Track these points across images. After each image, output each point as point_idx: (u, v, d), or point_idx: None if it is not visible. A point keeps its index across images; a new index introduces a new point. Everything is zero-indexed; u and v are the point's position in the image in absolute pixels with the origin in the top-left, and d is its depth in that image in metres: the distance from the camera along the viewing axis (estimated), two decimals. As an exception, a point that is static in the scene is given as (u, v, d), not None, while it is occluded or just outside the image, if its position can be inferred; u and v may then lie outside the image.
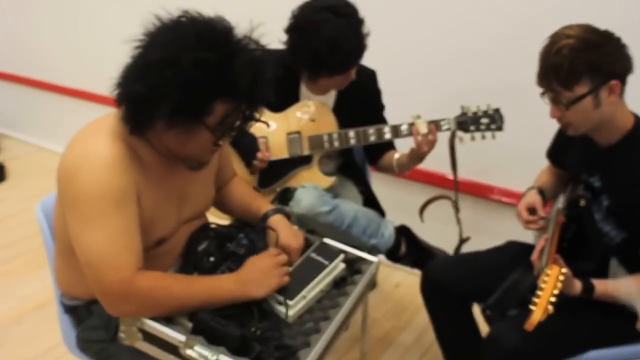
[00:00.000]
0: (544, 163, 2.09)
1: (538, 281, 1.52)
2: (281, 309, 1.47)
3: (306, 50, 1.96)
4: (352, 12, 1.97)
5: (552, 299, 1.42)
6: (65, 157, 1.35)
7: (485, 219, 2.66)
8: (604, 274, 1.75)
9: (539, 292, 1.45)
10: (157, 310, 1.35)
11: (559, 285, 1.45)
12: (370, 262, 1.70)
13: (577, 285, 1.63)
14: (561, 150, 1.97)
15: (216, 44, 1.27)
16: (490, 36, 2.48)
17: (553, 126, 2.03)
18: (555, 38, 1.59)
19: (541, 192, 1.93)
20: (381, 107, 2.25)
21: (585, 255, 1.82)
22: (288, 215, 1.70)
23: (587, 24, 1.61)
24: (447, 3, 2.53)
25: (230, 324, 1.35)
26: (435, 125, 2.02)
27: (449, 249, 2.32)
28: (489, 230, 2.48)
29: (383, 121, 2.21)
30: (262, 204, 1.72)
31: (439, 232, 2.34)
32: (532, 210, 1.88)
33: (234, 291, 1.41)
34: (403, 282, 2.91)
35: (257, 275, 1.44)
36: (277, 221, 1.65)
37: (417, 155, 2.03)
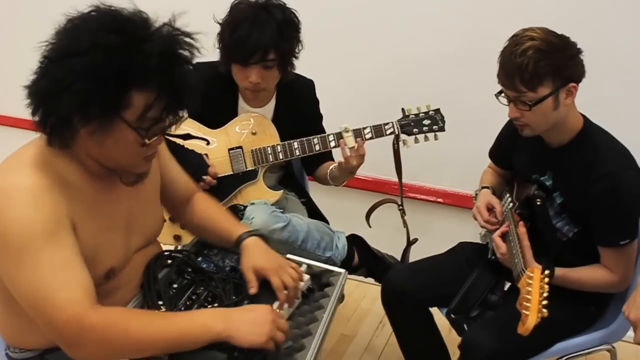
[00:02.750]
0: (479, 164, 2.13)
1: (519, 284, 1.54)
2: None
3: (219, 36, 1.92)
4: (277, 9, 1.90)
5: (544, 302, 1.43)
6: None
7: (426, 221, 2.70)
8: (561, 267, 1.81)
9: (527, 296, 1.45)
10: (118, 352, 1.20)
11: (545, 287, 1.46)
12: (338, 274, 1.65)
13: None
14: (505, 151, 2.01)
15: (123, 28, 1.16)
16: (424, 43, 2.53)
17: (485, 129, 2.09)
18: (519, 39, 1.62)
19: (493, 192, 1.97)
20: (319, 117, 2.21)
21: (540, 252, 1.87)
22: (265, 238, 1.59)
23: (545, 27, 1.64)
24: (383, 12, 2.55)
25: (214, 348, 1.24)
26: (362, 139, 2.00)
27: (398, 254, 2.32)
28: (431, 232, 2.50)
29: (321, 131, 2.17)
30: (234, 225, 1.58)
31: (384, 238, 2.33)
32: (489, 210, 1.90)
33: (214, 326, 1.21)
34: (346, 290, 2.87)
35: (250, 318, 1.25)
36: (253, 246, 1.52)
37: (346, 169, 2.00)
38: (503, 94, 1.70)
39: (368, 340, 2.58)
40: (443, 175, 2.70)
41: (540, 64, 1.57)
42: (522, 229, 1.70)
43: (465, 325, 1.79)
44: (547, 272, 1.50)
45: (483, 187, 2.00)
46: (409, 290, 1.91)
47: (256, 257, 1.49)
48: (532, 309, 1.41)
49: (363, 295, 2.80)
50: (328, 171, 2.12)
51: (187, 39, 1.23)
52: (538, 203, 1.77)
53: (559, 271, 1.68)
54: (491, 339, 1.61)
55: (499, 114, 2.01)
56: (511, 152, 1.98)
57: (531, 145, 1.85)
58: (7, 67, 3.26)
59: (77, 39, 1.14)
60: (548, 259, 1.74)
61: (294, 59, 1.97)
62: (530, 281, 1.48)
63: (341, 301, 1.67)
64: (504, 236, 1.78)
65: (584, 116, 1.74)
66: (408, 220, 2.29)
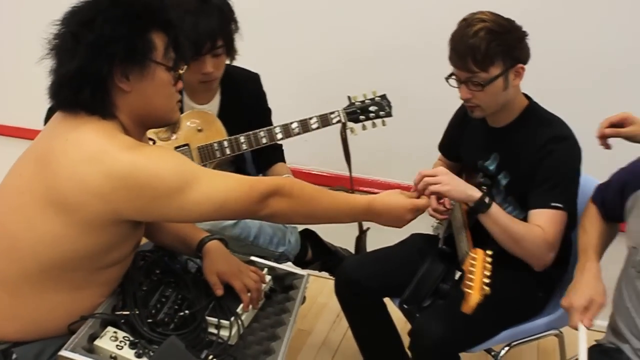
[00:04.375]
0: (430, 156, 2.15)
1: (464, 266, 1.56)
2: (223, 333, 1.40)
3: None
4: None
5: (486, 280, 1.46)
6: (104, 171, 1.24)
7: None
8: (505, 258, 1.83)
9: (470, 276, 1.47)
10: (303, 211, 1.43)
11: (488, 266, 1.49)
12: (301, 277, 1.68)
13: (476, 194, 1.68)
14: (453, 143, 2.04)
15: None
16: (373, 35, 2.54)
17: (435, 121, 2.11)
18: (470, 22, 1.66)
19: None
20: (267, 111, 2.19)
21: (486, 240, 1.90)
22: (225, 242, 1.62)
23: (493, 11, 1.70)
24: (330, 5, 2.56)
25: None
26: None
27: (351, 248, 2.32)
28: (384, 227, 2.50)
29: (271, 124, 2.15)
30: (194, 230, 1.62)
31: (337, 231, 2.33)
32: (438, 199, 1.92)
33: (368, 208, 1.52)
34: (300, 284, 2.88)
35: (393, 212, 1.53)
36: (214, 250, 1.55)
37: None
38: (453, 77, 1.74)
39: (325, 334, 2.59)
40: (394, 168, 2.71)
41: (492, 44, 1.63)
42: (466, 217, 1.72)
43: (417, 315, 1.80)
44: (489, 252, 1.53)
45: None
46: (362, 280, 1.92)
47: (217, 261, 1.53)
48: (475, 287, 1.44)
49: (320, 290, 2.79)
50: (285, 175, 2.12)
51: None
52: (484, 190, 1.81)
53: (496, 209, 1.70)
54: (440, 326, 1.64)
55: (448, 106, 2.06)
56: (458, 143, 2.00)
57: (476, 132, 1.89)
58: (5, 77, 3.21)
59: (91, 12, 1.28)
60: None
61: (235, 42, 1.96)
62: (474, 262, 1.51)
63: (303, 302, 1.68)
64: (449, 224, 1.80)
65: (528, 97, 1.81)
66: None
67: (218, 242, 1.59)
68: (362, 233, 2.28)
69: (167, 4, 1.36)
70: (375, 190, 2.74)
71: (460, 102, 1.98)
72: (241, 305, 1.45)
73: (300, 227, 2.20)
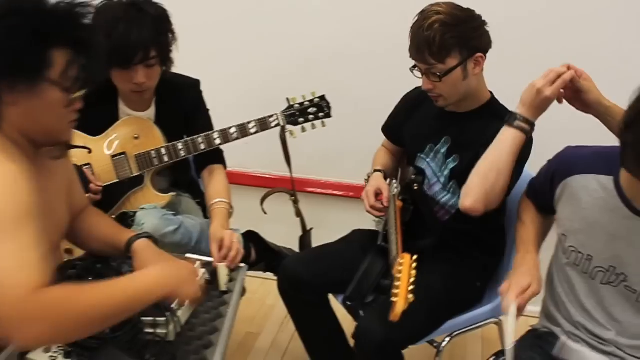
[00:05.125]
0: (370, 155, 2.18)
1: (393, 271, 1.59)
2: (160, 331, 1.37)
3: None
4: (147, 4, 1.87)
5: (411, 287, 1.48)
6: None
7: (323, 214, 2.73)
8: (443, 252, 1.88)
9: (396, 283, 1.50)
10: (68, 325, 1.13)
11: (413, 272, 1.52)
12: (238, 268, 1.68)
13: None
14: (397, 125, 2.06)
15: None
16: (312, 38, 2.57)
17: (376, 121, 2.15)
18: (426, 14, 1.70)
19: (385, 175, 2.02)
20: (206, 116, 2.18)
21: (423, 234, 1.93)
22: (154, 239, 1.59)
23: (451, 2, 1.74)
24: (269, 9, 2.57)
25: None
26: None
27: (296, 248, 2.33)
28: (328, 225, 2.53)
29: (211, 129, 2.14)
30: (122, 231, 1.59)
31: (281, 232, 2.35)
32: (377, 194, 1.95)
33: (158, 288, 1.27)
34: (248, 288, 2.87)
35: (181, 274, 1.37)
36: (143, 247, 1.53)
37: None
38: (417, 68, 1.78)
39: (273, 336, 2.60)
40: (337, 168, 2.75)
41: (447, 36, 1.67)
42: (399, 218, 1.77)
43: (361, 312, 1.82)
44: (415, 257, 1.56)
45: (375, 170, 2.04)
46: (304, 276, 1.94)
47: (147, 259, 1.51)
48: (401, 295, 1.46)
49: (267, 292, 2.79)
50: (210, 203, 2.05)
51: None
52: (415, 188, 1.85)
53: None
54: (382, 327, 1.64)
55: (389, 105, 2.10)
56: (404, 127, 2.03)
57: (429, 115, 1.92)
58: None
59: None
60: (425, 242, 1.84)
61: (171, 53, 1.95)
62: (400, 268, 1.53)
63: (242, 295, 1.68)
64: (386, 222, 1.83)
65: (491, 92, 1.86)
66: (305, 214, 2.32)
67: (146, 240, 1.55)
68: (307, 232, 2.29)
69: (85, 23, 1.29)
70: (319, 191, 2.78)
71: (402, 93, 2.05)
72: (177, 301, 1.44)
73: (243, 229, 2.21)
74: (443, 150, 1.88)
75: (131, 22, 1.81)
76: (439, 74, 1.71)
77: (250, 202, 2.38)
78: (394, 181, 2.02)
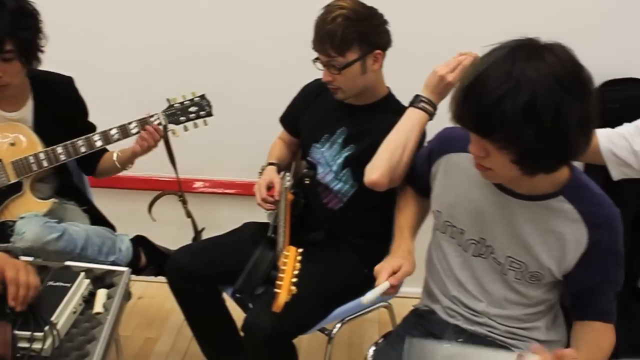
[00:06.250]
0: (262, 152, 2.19)
1: (278, 263, 1.62)
2: (35, 346, 1.33)
3: None
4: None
5: (294, 280, 1.52)
6: None
7: (214, 213, 2.74)
8: (330, 241, 1.93)
9: (280, 275, 1.53)
10: None
11: (298, 265, 1.56)
12: (121, 273, 1.64)
13: None
14: (295, 117, 2.10)
15: None
16: (192, 37, 2.56)
17: (264, 117, 2.18)
18: (330, 8, 1.76)
19: (279, 168, 2.05)
20: (85, 115, 2.14)
21: (314, 226, 1.99)
22: (8, 250, 1.55)
23: None
24: (149, 5, 2.54)
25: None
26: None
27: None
28: (220, 224, 2.54)
29: (90, 127, 2.12)
30: None
31: (174, 236, 2.33)
32: (269, 188, 1.97)
33: None
34: (145, 292, 2.84)
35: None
36: None
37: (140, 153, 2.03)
38: (319, 60, 1.82)
39: (172, 340, 2.57)
40: (228, 166, 2.75)
41: (348, 30, 1.72)
42: (289, 211, 1.79)
43: (250, 305, 1.84)
44: (300, 250, 1.60)
45: (269, 164, 2.07)
46: (193, 268, 1.94)
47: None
48: (284, 287, 1.49)
49: (165, 296, 2.74)
50: (115, 159, 2.09)
51: None
52: (307, 182, 1.90)
53: None
54: (270, 319, 1.65)
55: (277, 102, 2.13)
56: (300, 118, 2.07)
57: (327, 106, 1.96)
58: None
59: None
60: (316, 234, 1.91)
61: (39, 52, 1.90)
62: (286, 260, 1.57)
63: (128, 299, 1.65)
64: (277, 214, 1.87)
65: (389, 88, 1.93)
66: (196, 214, 2.31)
67: None
68: (198, 233, 2.29)
69: None
70: (210, 190, 2.77)
71: (288, 90, 2.09)
72: (56, 313, 1.40)
73: (133, 234, 2.18)
74: (339, 140, 1.93)
75: None
76: (338, 66, 1.77)
77: (139, 205, 2.35)
78: (287, 174, 2.05)
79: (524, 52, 1.19)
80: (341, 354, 2.51)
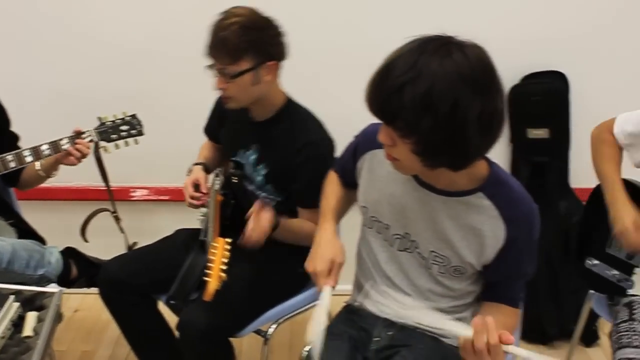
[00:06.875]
0: (192, 157, 2.19)
1: (209, 256, 1.63)
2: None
3: None
4: None
5: (223, 267, 1.54)
6: None
7: (147, 221, 2.71)
8: (265, 242, 1.92)
9: (210, 265, 1.55)
10: None
11: (227, 254, 1.58)
12: (51, 295, 1.59)
13: (268, 216, 1.76)
14: (214, 129, 2.11)
15: None
16: (116, 46, 2.54)
17: (193, 122, 2.17)
18: (226, 15, 1.73)
19: (206, 167, 2.05)
20: (8, 122, 2.10)
21: (239, 229, 1.98)
22: None
23: (253, 7, 1.77)
24: (66, 16, 2.50)
25: None
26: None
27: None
28: (154, 231, 2.52)
29: (14, 137, 2.09)
30: None
31: (107, 246, 2.30)
32: (196, 187, 1.97)
33: None
34: (81, 305, 2.79)
35: None
36: None
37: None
38: (213, 67, 1.79)
39: (110, 352, 2.55)
40: (159, 173, 2.73)
41: (242, 38, 1.70)
42: (217, 209, 1.81)
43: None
44: (228, 240, 1.62)
45: (196, 164, 2.07)
46: (125, 278, 1.93)
47: None
48: (213, 275, 1.51)
49: (102, 308, 2.70)
50: (38, 168, 2.04)
51: None
52: (234, 181, 1.90)
53: (282, 223, 1.81)
54: (204, 315, 1.67)
55: (207, 107, 2.13)
56: (219, 130, 2.08)
57: (238, 122, 1.96)
58: None
59: None
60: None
61: None
62: (215, 250, 1.59)
63: (59, 321, 1.61)
64: (208, 218, 1.87)
65: (287, 94, 1.91)
66: (129, 222, 2.29)
67: None
68: (130, 248, 2.26)
69: None
70: (145, 197, 2.74)
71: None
72: None
73: (63, 245, 2.14)
74: (253, 158, 1.94)
75: None
76: (231, 74, 1.74)
77: (72, 216, 2.31)
78: (217, 177, 2.05)
79: (433, 46, 1.22)
80: (282, 356, 2.53)
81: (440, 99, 1.18)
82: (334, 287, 1.50)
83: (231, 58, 1.72)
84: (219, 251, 1.59)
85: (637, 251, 1.81)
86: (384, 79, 1.23)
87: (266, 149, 1.91)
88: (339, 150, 1.81)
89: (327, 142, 1.87)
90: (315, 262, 1.51)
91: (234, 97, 1.81)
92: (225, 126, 2.05)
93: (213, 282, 1.50)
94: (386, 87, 1.22)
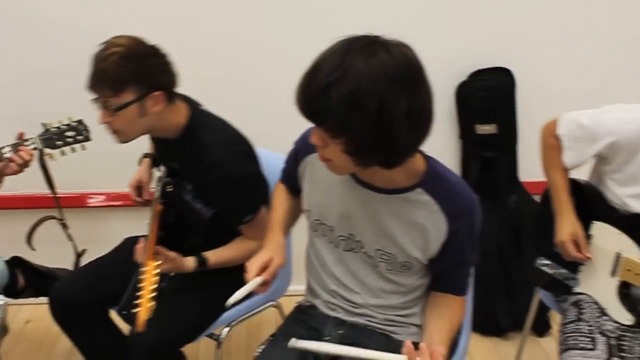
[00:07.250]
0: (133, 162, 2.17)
1: (140, 278, 1.58)
2: None
3: None
4: None
5: (152, 295, 1.50)
6: None
7: (98, 227, 2.66)
8: (212, 244, 1.92)
9: (139, 294, 1.51)
10: None
11: (155, 279, 1.54)
12: None
13: (191, 263, 1.75)
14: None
15: None
16: (54, 51, 2.49)
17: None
18: (107, 45, 1.65)
19: (154, 160, 2.03)
20: None
21: (190, 232, 1.96)
22: None
23: (138, 36, 1.68)
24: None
25: None
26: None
27: (70, 266, 2.26)
28: (105, 237, 2.49)
29: None
30: None
31: (57, 254, 2.26)
32: (139, 188, 1.94)
33: None
34: (32, 316, 2.73)
35: None
36: None
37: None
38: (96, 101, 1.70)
39: (64, 360, 2.49)
40: (107, 178, 2.69)
41: (122, 70, 1.61)
42: (155, 222, 1.78)
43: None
44: (156, 263, 1.58)
45: (145, 155, 2.05)
46: (76, 295, 1.88)
47: None
48: (143, 305, 1.48)
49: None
50: None
51: None
52: (169, 189, 1.86)
53: (211, 257, 1.79)
54: (153, 330, 1.61)
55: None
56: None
57: (158, 140, 1.91)
58: None
59: None
60: (194, 240, 1.88)
61: None
62: (144, 276, 1.55)
63: (4, 334, 1.57)
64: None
65: (190, 109, 1.81)
66: (78, 230, 2.26)
67: None
68: (79, 257, 2.23)
69: None
70: (97, 204, 2.69)
71: None
72: None
73: (7, 256, 2.09)
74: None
75: None
76: (114, 107, 1.64)
77: (17, 225, 2.26)
78: (158, 182, 2.00)
79: (358, 45, 1.23)
80: (239, 358, 2.52)
81: (366, 97, 1.19)
82: (268, 286, 1.51)
83: (112, 90, 1.63)
84: (148, 276, 1.54)
85: (575, 261, 1.86)
86: (311, 80, 1.24)
87: (184, 166, 1.85)
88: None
89: (234, 159, 1.77)
90: (252, 260, 1.51)
91: (121, 131, 1.71)
92: (155, 144, 2.01)
93: (142, 313, 1.46)
94: (313, 88, 1.23)
